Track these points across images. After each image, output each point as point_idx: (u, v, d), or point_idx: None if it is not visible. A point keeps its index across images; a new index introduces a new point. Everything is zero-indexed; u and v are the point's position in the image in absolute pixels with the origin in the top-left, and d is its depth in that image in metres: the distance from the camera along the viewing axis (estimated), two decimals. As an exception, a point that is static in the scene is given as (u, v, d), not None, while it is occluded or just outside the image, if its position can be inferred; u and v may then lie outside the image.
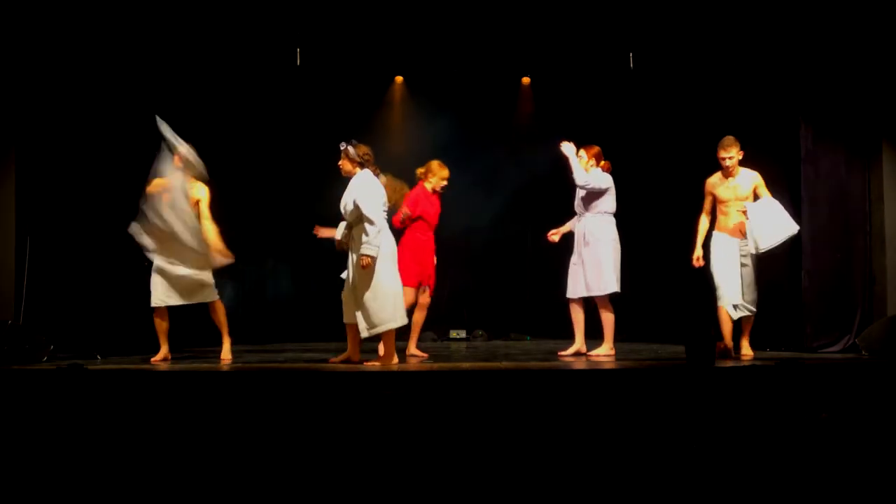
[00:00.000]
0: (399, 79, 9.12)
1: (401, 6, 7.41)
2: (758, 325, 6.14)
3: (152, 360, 5.80)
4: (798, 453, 3.96)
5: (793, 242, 6.59)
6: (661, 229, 8.06)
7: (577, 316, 6.38)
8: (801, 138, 6.63)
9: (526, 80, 9.18)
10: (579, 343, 6.39)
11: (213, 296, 5.93)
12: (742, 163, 6.05)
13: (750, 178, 5.96)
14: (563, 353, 6.41)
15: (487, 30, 7.71)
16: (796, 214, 6.61)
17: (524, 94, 9.28)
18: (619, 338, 8.29)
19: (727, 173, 5.98)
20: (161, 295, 5.79)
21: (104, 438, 4.10)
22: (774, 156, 6.86)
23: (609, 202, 6.27)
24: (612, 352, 6.21)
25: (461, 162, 8.12)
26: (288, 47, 7.70)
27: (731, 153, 5.90)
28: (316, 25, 7.54)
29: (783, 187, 6.72)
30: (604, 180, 6.24)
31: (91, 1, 6.57)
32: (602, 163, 6.35)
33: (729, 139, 5.94)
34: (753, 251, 5.86)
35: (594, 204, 6.26)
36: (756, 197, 5.95)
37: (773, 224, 5.83)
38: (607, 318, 6.25)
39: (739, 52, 7.11)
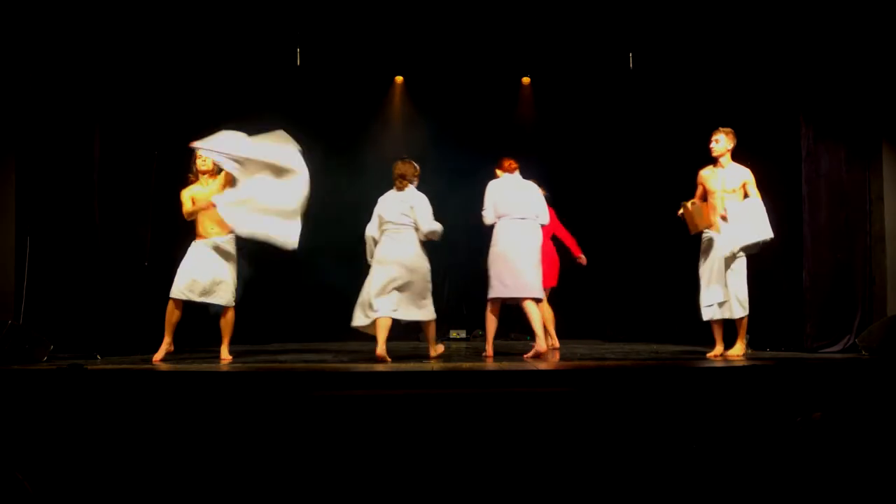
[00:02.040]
0: (399, 79, 9.13)
1: (401, 6, 7.41)
2: (758, 325, 6.14)
3: (154, 358, 5.80)
4: (797, 453, 3.96)
5: (792, 242, 6.61)
6: (662, 229, 8.05)
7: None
8: (802, 138, 6.63)
9: (526, 80, 9.19)
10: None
11: (230, 301, 5.96)
12: (742, 162, 6.06)
13: (739, 173, 5.99)
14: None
15: (487, 30, 7.71)
16: (797, 214, 6.63)
17: (524, 94, 9.28)
18: (619, 338, 8.37)
19: (715, 162, 6.06)
20: (183, 287, 5.82)
21: (104, 438, 4.11)
22: (775, 156, 6.86)
23: (490, 212, 6.26)
24: (542, 349, 6.06)
25: (461, 161, 8.14)
26: (288, 47, 7.69)
27: (716, 136, 6.02)
28: (316, 25, 7.54)
29: (783, 187, 6.73)
30: (486, 196, 6.30)
31: (90, 1, 6.57)
32: (507, 163, 6.41)
33: (721, 128, 6.05)
34: (727, 252, 5.89)
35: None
36: (745, 196, 5.97)
37: (750, 226, 5.86)
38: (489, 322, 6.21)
39: (740, 51, 7.11)
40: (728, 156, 6.05)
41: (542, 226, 6.37)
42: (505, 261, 6.11)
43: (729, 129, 6.05)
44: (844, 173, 6.61)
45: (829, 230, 6.58)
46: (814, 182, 6.61)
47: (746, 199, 5.96)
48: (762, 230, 5.87)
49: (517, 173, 6.41)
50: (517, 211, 6.20)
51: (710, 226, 6.01)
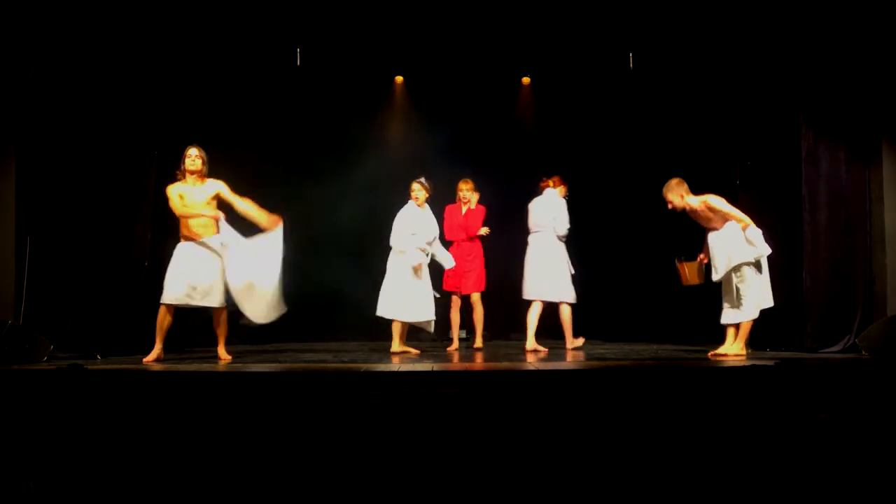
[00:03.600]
0: (399, 79, 9.13)
1: (401, 6, 7.42)
2: (758, 325, 6.14)
3: (144, 359, 5.78)
4: (798, 453, 3.96)
5: (793, 242, 6.62)
6: (663, 229, 8.06)
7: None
8: (802, 138, 6.62)
9: (526, 80, 9.19)
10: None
11: (222, 302, 5.94)
12: (742, 163, 6.08)
13: (708, 208, 6.00)
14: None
15: (487, 30, 7.72)
16: (797, 214, 6.63)
17: (524, 94, 9.28)
18: (619, 338, 8.38)
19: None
20: (179, 293, 5.80)
21: (104, 438, 4.11)
22: (775, 155, 6.86)
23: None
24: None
25: (461, 162, 8.14)
26: (288, 47, 7.70)
27: (667, 198, 6.10)
28: (316, 25, 7.55)
29: (783, 187, 6.73)
30: None
31: (91, 1, 6.57)
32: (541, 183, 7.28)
33: (663, 188, 6.10)
34: (723, 273, 6.00)
35: None
36: (724, 217, 6.00)
37: (735, 249, 5.96)
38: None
39: (740, 52, 7.10)
40: (689, 201, 6.04)
41: (560, 235, 7.09)
42: (524, 269, 7.26)
43: (670, 185, 6.07)
44: (844, 173, 6.60)
45: (828, 230, 6.57)
46: (814, 182, 6.61)
47: (724, 227, 5.98)
48: (743, 253, 5.91)
49: (548, 190, 7.18)
50: (533, 226, 7.22)
51: (698, 283, 6.21)
